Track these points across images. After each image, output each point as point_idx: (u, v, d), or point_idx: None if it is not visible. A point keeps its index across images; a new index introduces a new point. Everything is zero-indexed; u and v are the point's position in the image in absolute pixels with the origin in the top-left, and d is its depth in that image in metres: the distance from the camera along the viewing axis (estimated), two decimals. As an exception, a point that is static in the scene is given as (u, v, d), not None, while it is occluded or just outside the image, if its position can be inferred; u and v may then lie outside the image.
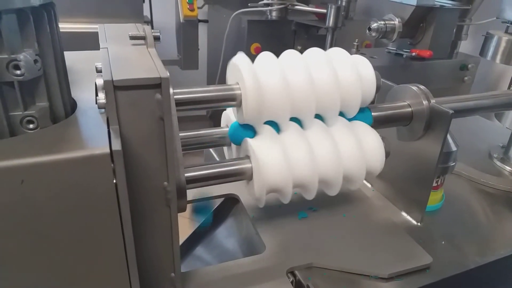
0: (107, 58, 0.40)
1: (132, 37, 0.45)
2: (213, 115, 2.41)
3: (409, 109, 0.60)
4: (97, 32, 0.50)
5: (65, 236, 0.36)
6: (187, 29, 2.00)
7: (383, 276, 0.53)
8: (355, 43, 1.52)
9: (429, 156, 0.59)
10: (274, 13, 1.92)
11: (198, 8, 2.02)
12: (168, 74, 0.37)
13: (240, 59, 0.50)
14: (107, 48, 0.43)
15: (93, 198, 0.35)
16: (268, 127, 0.53)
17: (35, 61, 0.36)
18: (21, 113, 0.36)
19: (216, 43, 2.17)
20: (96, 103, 0.39)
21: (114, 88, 0.35)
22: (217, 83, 2.14)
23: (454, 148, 0.64)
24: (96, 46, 0.59)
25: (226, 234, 0.69)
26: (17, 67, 0.34)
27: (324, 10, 1.72)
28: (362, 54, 1.56)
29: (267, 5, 1.90)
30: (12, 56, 0.34)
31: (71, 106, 0.42)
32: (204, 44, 2.33)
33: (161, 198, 0.42)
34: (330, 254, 0.55)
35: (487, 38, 1.46)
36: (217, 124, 0.62)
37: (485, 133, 0.97)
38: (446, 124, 0.56)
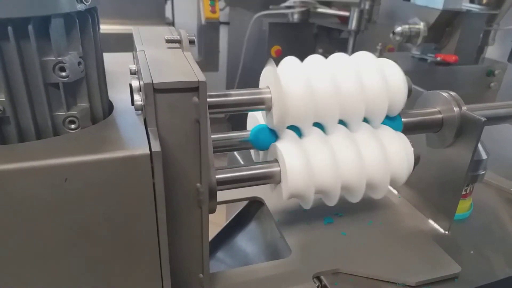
0: (145, 61, 0.41)
1: (168, 41, 0.45)
2: (231, 117, 2.43)
3: (440, 116, 0.59)
4: (120, 33, 0.52)
5: (103, 233, 0.37)
6: (208, 31, 2.02)
7: (411, 284, 0.52)
8: (378, 47, 1.51)
9: (459, 164, 0.58)
10: (295, 16, 1.92)
11: (220, 10, 2.04)
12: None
13: (273, 65, 0.51)
14: (143, 50, 0.44)
15: (131, 197, 0.36)
16: (290, 131, 0.53)
17: (79, 63, 0.37)
18: (64, 113, 0.37)
19: (237, 45, 2.18)
20: (133, 104, 0.41)
21: (154, 90, 0.36)
22: (237, 85, 2.16)
23: (484, 156, 0.62)
24: (119, 47, 0.60)
25: (249, 238, 0.69)
26: (62, 69, 0.35)
27: (347, 13, 1.71)
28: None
29: (289, 7, 1.90)
30: (59, 58, 0.35)
31: (108, 107, 0.44)
32: (224, 46, 2.35)
33: (193, 199, 0.42)
34: (357, 260, 0.55)
35: (516, 43, 1.42)
36: (235, 126, 0.63)
37: (514, 142, 0.95)
38: (477, 132, 0.55)
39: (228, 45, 2.40)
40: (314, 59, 0.56)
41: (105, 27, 1.69)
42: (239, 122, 0.64)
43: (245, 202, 0.70)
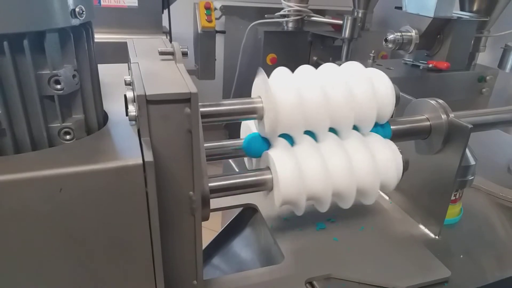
0: (138, 73, 0.42)
1: (162, 53, 0.47)
2: (229, 124, 2.44)
3: (428, 123, 0.61)
4: (117, 42, 0.53)
5: (97, 242, 0.37)
6: (204, 40, 2.04)
7: (401, 289, 0.53)
8: (371, 54, 1.52)
9: (447, 170, 0.59)
10: (290, 24, 1.95)
11: (216, 19, 2.06)
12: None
13: (264, 76, 0.52)
14: (137, 62, 0.45)
15: (125, 206, 0.37)
16: (282, 139, 0.54)
17: (74, 76, 0.38)
18: (59, 125, 0.38)
19: (233, 54, 2.21)
20: (127, 115, 0.42)
21: (147, 102, 0.37)
22: (233, 92, 2.18)
23: (472, 162, 0.64)
24: (116, 56, 0.61)
25: (244, 244, 0.70)
26: (57, 82, 0.37)
27: (340, 21, 1.74)
28: (378, 65, 1.56)
29: (284, 16, 1.93)
30: (54, 71, 0.36)
31: (103, 118, 0.45)
32: (221, 55, 2.37)
33: (186, 207, 0.43)
34: (349, 265, 0.56)
35: (506, 50, 1.45)
36: (232, 133, 0.64)
37: (504, 147, 0.97)
38: (464, 138, 0.57)
39: (224, 54, 2.42)
40: (305, 69, 0.57)
41: (103, 37, 1.70)
42: (236, 129, 0.65)
43: (239, 209, 0.71)
